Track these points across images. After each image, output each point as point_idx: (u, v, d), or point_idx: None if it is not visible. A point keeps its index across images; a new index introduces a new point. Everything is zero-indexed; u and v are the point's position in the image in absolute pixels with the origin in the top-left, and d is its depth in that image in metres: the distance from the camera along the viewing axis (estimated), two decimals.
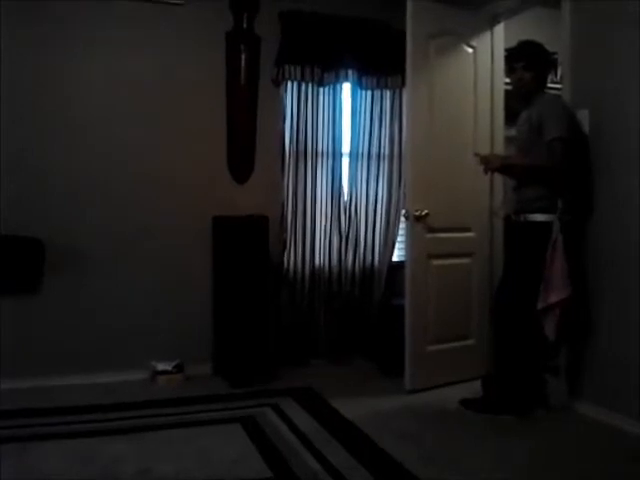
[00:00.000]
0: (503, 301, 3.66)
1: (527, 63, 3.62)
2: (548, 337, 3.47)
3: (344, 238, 4.81)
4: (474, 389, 3.85)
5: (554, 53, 4.81)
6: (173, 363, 4.22)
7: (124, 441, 3.16)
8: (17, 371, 3.97)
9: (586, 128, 3.54)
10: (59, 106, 4.14)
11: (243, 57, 4.58)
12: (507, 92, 4.34)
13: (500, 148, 4.37)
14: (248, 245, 4.22)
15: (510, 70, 3.79)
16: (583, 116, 3.55)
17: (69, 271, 4.15)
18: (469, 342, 4.24)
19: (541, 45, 3.67)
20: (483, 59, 4.35)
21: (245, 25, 4.56)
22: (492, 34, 4.40)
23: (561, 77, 3.90)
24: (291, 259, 4.67)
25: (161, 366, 4.20)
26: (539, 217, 3.50)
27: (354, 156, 4.85)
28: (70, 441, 3.16)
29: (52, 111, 4.13)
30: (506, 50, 4.27)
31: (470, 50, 4.31)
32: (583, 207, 3.55)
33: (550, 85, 4.81)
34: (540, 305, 3.43)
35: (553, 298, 3.41)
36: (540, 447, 3.14)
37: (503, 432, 3.35)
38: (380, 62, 4.80)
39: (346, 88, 4.85)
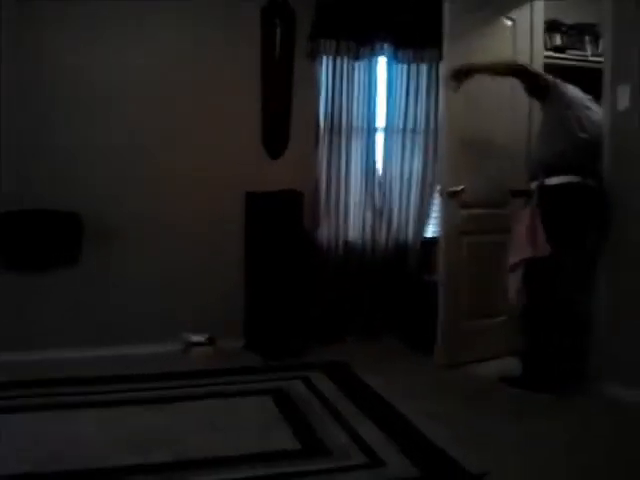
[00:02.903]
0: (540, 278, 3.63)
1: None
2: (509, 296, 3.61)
3: (378, 213, 4.79)
4: (506, 366, 3.85)
5: (595, 25, 4.70)
6: (206, 335, 4.28)
7: (156, 411, 3.22)
8: (55, 342, 4.10)
9: (626, 103, 3.44)
10: (95, 82, 4.19)
11: (278, 32, 4.55)
12: (546, 65, 4.24)
13: (538, 122, 4.27)
14: (281, 220, 4.23)
15: None
16: (624, 91, 3.45)
17: (105, 245, 4.22)
18: (502, 319, 4.20)
19: None
20: (522, 32, 4.25)
21: (280, 0, 4.53)
22: (532, 7, 4.29)
23: (602, 50, 3.79)
24: (324, 234, 4.68)
25: (194, 338, 4.27)
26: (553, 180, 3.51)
27: (389, 131, 4.81)
28: (104, 410, 3.24)
29: (89, 87, 4.18)
30: None
31: (509, 23, 4.21)
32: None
33: (591, 58, 4.72)
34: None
35: (515, 258, 3.54)
36: (573, 427, 3.09)
37: (536, 411, 3.31)
38: (417, 35, 4.71)
39: (382, 62, 4.80)
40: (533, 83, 3.65)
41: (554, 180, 3.49)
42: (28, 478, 2.48)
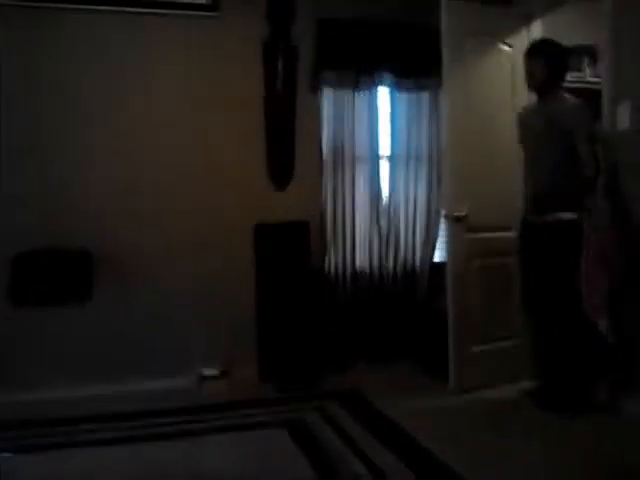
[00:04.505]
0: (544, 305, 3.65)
1: (545, 61, 3.68)
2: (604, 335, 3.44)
3: (384, 240, 4.81)
4: (519, 389, 3.86)
5: (592, 46, 4.76)
6: (219, 368, 4.30)
7: (171, 446, 3.23)
8: (68, 378, 4.12)
9: (626, 119, 3.48)
10: (102, 117, 4.28)
11: (280, 65, 4.62)
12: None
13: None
14: (289, 251, 4.29)
15: (526, 60, 3.81)
16: (624, 107, 3.49)
17: (117, 281, 4.26)
18: (513, 342, 4.19)
19: (559, 45, 3.76)
20: (521, 57, 4.29)
21: (282, 34, 4.62)
22: (529, 32, 4.35)
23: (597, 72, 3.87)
24: (332, 262, 4.71)
25: (207, 371, 4.29)
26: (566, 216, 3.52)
27: (393, 159, 4.86)
28: (118, 447, 3.24)
29: (94, 123, 4.26)
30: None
31: (507, 48, 4.28)
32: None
33: (590, 79, 4.77)
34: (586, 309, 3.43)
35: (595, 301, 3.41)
36: (586, 451, 3.05)
37: (550, 433, 3.29)
38: (417, 64, 4.79)
39: (383, 91, 4.86)
40: None
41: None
42: None
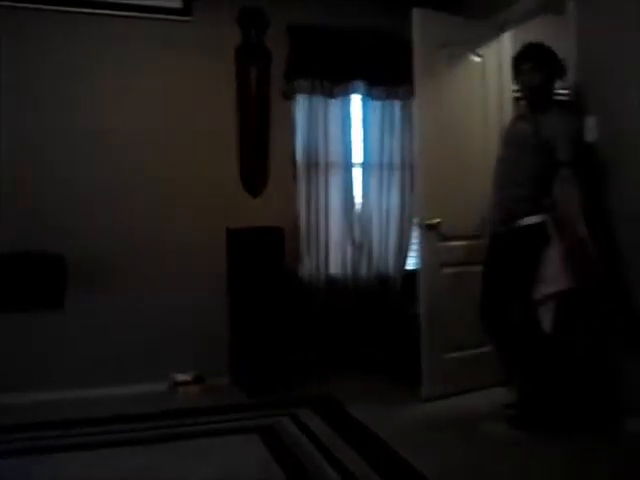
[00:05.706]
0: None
1: (536, 64, 3.52)
2: (545, 330, 3.38)
3: (358, 247, 4.85)
4: (492, 397, 3.90)
5: (563, 58, 4.81)
6: (192, 374, 4.28)
7: (143, 451, 3.21)
8: (41, 384, 4.09)
9: (594, 134, 3.53)
10: (75, 121, 4.25)
11: (253, 71, 4.64)
12: (517, 100, 4.36)
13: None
14: (263, 256, 4.27)
15: (517, 73, 3.68)
16: (591, 122, 3.55)
17: (90, 286, 4.22)
18: (486, 349, 4.23)
19: (550, 48, 3.58)
20: (491, 68, 4.37)
21: (254, 40, 4.63)
22: (500, 42, 4.42)
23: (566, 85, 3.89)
24: (306, 269, 4.72)
25: (181, 377, 4.27)
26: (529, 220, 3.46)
27: (366, 166, 4.90)
28: (89, 452, 3.22)
29: (70, 127, 4.24)
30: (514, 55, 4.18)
31: (478, 59, 4.34)
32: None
33: (560, 91, 4.84)
34: (536, 296, 3.40)
35: (548, 289, 3.36)
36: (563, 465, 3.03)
37: (526, 446, 3.25)
38: (390, 73, 4.84)
39: (356, 99, 4.90)
40: None
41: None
42: None
